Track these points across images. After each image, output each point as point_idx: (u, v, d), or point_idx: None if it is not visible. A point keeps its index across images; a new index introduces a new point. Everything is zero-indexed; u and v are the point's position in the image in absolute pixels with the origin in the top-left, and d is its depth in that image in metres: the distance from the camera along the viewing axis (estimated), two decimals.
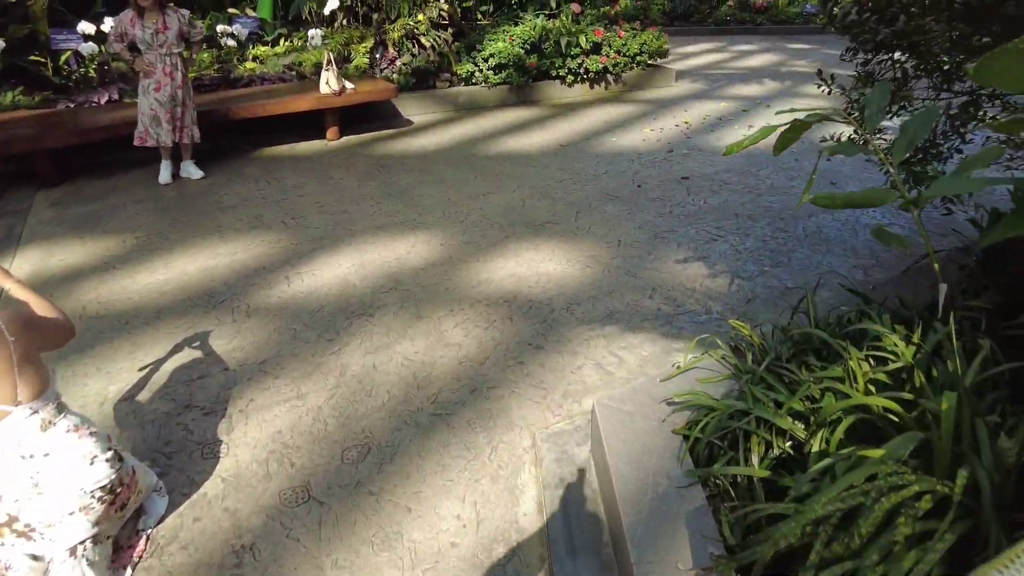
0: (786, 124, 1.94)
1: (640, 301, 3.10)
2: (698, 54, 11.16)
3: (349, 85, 5.55)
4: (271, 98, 5.35)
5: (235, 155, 5.36)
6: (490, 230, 3.89)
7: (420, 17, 6.75)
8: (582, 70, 7.27)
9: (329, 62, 5.37)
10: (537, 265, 3.46)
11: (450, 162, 5.03)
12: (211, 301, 3.19)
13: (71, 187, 4.70)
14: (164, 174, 4.74)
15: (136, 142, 4.62)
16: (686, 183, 4.50)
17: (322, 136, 5.70)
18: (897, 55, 2.90)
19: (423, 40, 6.78)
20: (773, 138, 2.00)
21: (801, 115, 1.95)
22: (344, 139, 5.74)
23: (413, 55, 6.77)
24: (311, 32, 6.44)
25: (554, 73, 7.20)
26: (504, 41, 6.95)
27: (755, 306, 3.05)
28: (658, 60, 8.18)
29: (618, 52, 7.57)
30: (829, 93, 3.08)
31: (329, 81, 5.33)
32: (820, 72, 3.15)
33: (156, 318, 3.05)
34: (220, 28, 6.46)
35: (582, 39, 7.05)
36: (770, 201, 4.21)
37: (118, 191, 4.61)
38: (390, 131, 6.01)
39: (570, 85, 7.37)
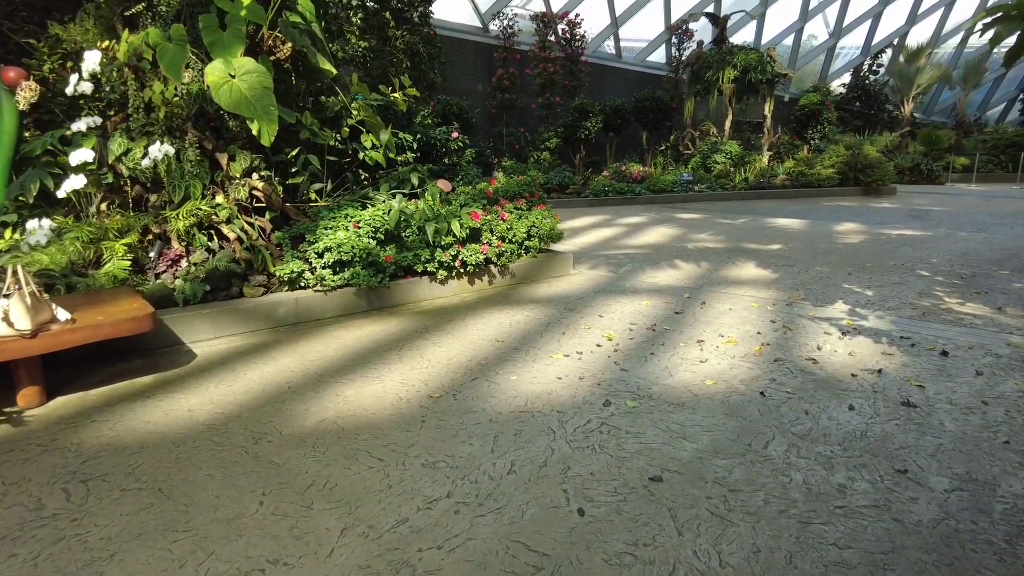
0: None
1: None
2: (586, 229, 9.85)
3: (62, 315, 3.24)
4: None
5: None
6: None
7: (220, 199, 4.69)
8: (458, 263, 5.40)
9: (17, 282, 3.08)
10: None
11: (222, 462, 2.71)
12: None
13: None
14: None
15: None
16: (658, 491, 2.46)
17: (10, 400, 3.26)
18: None
19: (225, 230, 4.67)
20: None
21: None
22: (55, 403, 3.31)
23: (209, 251, 4.62)
24: (31, 224, 4.14)
25: (420, 268, 5.27)
26: (347, 230, 4.99)
27: None
28: (551, 244, 6.54)
29: (502, 238, 5.83)
30: None
31: (9, 314, 3.01)
32: None
33: None
34: None
35: (455, 224, 5.24)
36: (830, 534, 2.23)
37: None
38: (148, 379, 3.65)
39: (443, 282, 5.45)
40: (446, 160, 6.58)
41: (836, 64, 26.07)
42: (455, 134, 6.29)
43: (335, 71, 4.96)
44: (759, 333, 4.48)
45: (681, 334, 4.46)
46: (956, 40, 26.99)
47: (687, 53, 18.27)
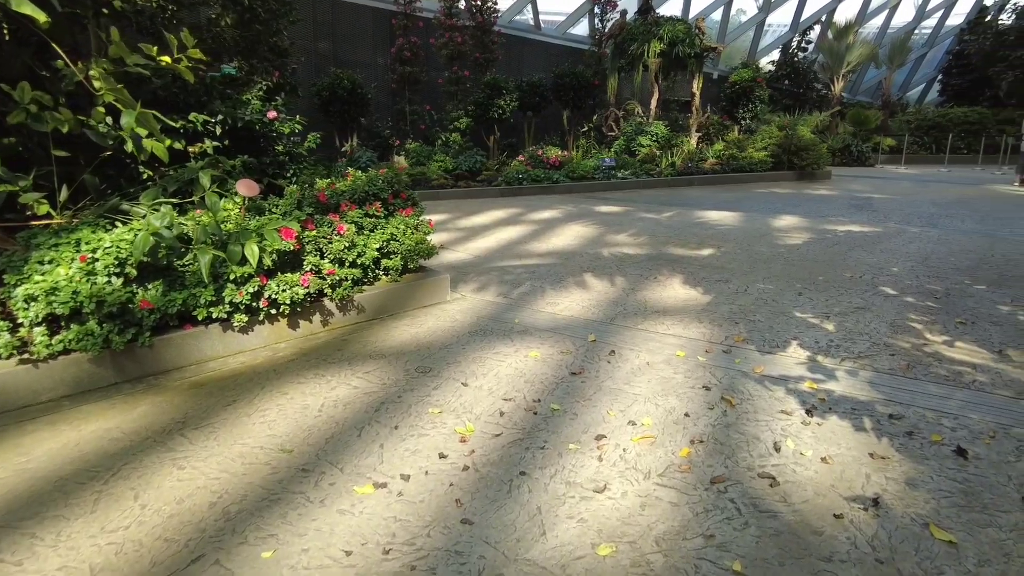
0: None
1: None
2: (488, 229, 8.26)
3: None
4: None
5: None
6: None
7: None
8: (263, 303, 3.73)
9: None
10: None
11: None
12: None
13: None
14: None
15: None
16: None
17: None
18: None
19: None
20: None
21: None
22: None
23: None
24: None
25: (203, 314, 3.56)
26: (71, 265, 3.24)
27: None
28: (424, 260, 4.93)
29: (339, 261, 4.18)
30: None
31: None
32: None
33: None
34: None
35: (250, 249, 3.54)
36: None
37: None
38: None
39: (244, 330, 3.78)
40: (279, 148, 4.84)
41: (765, 40, 25.21)
42: (272, 113, 4.54)
43: (43, 17, 3.16)
44: (687, 415, 3.02)
45: (574, 421, 2.95)
46: (881, 18, 26.58)
47: (610, 25, 16.78)
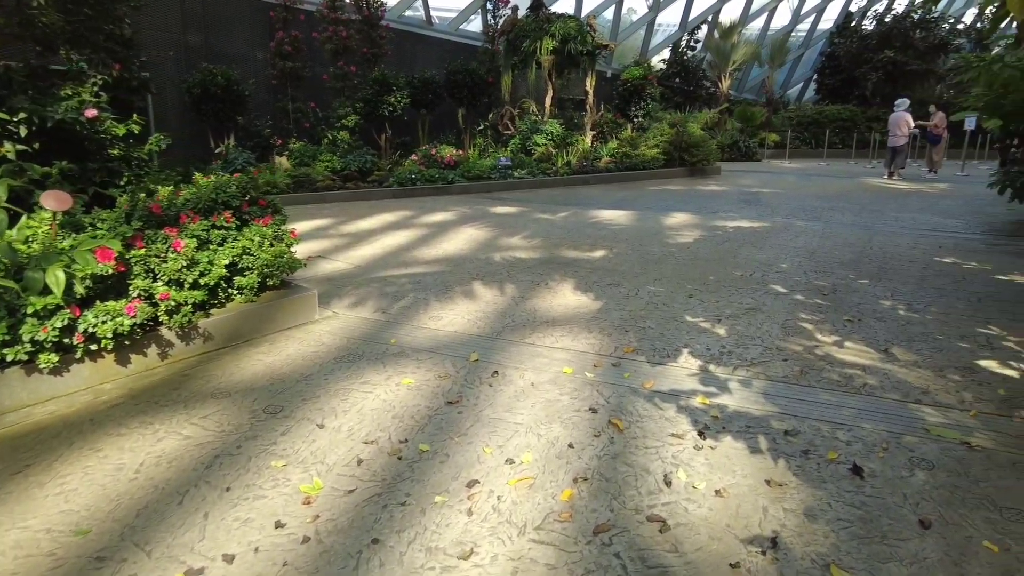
0: None
1: None
2: (374, 234, 7.75)
3: None
4: None
5: None
6: None
7: None
8: (78, 338, 3.11)
9: None
10: None
11: None
12: None
13: None
14: None
15: None
16: None
17: None
18: None
19: None
20: None
21: None
22: None
23: None
24: None
25: None
26: None
27: None
28: (287, 275, 4.41)
29: (177, 283, 3.60)
30: None
31: None
32: None
33: None
34: None
35: (53, 275, 2.93)
36: None
37: None
38: None
39: (57, 372, 3.15)
40: (113, 153, 4.16)
41: (656, 39, 25.76)
42: (91, 111, 3.88)
43: None
44: (571, 447, 2.70)
45: (445, 465, 2.56)
46: (762, 20, 27.78)
47: (502, 21, 16.51)
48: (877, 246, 6.88)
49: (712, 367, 3.58)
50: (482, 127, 16.01)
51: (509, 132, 15.38)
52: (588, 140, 15.17)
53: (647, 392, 3.24)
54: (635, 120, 17.07)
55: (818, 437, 2.79)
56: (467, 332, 4.19)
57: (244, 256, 4.04)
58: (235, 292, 4.09)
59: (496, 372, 3.49)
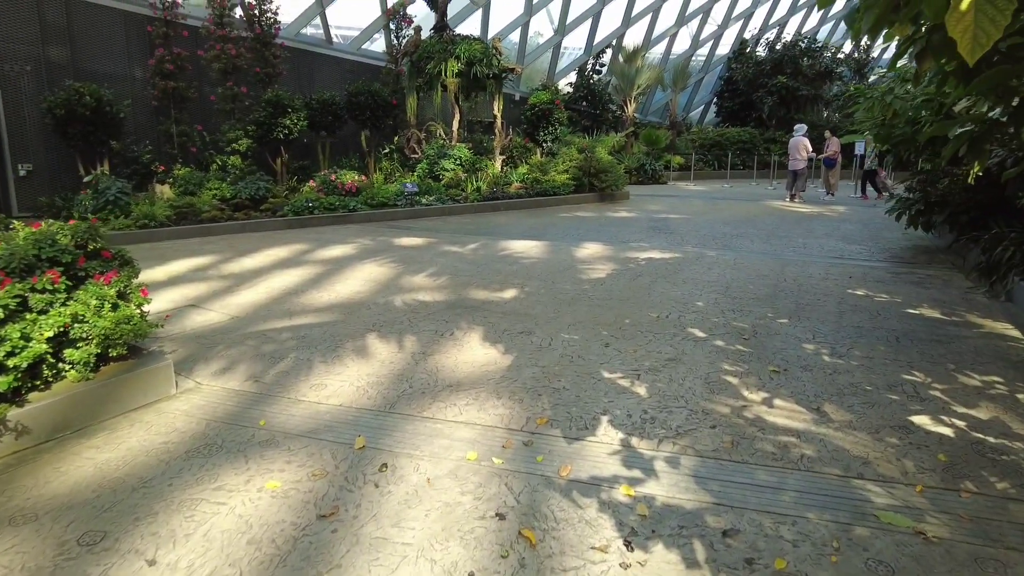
0: None
1: None
2: (260, 274, 6.99)
3: None
4: None
5: None
6: None
7: None
8: None
9: None
10: None
11: None
12: None
13: None
14: None
15: None
16: None
17: None
18: None
19: None
20: None
21: None
22: None
23: None
24: None
25: None
26: None
27: None
28: (137, 341, 3.67)
29: None
30: None
31: None
32: None
33: None
34: None
35: None
36: None
37: None
38: None
39: None
40: None
41: (563, 62, 25.91)
42: None
43: None
44: None
45: None
46: (664, 45, 28.59)
47: (405, 42, 15.96)
48: (790, 277, 6.77)
49: (635, 441, 3.15)
50: (388, 150, 15.37)
51: (416, 156, 14.81)
52: (498, 165, 14.81)
53: (563, 483, 2.76)
54: (544, 145, 16.89)
55: (760, 537, 2.39)
56: (355, 405, 3.59)
57: (76, 325, 3.30)
58: (67, 367, 3.34)
59: (385, 465, 2.92)
